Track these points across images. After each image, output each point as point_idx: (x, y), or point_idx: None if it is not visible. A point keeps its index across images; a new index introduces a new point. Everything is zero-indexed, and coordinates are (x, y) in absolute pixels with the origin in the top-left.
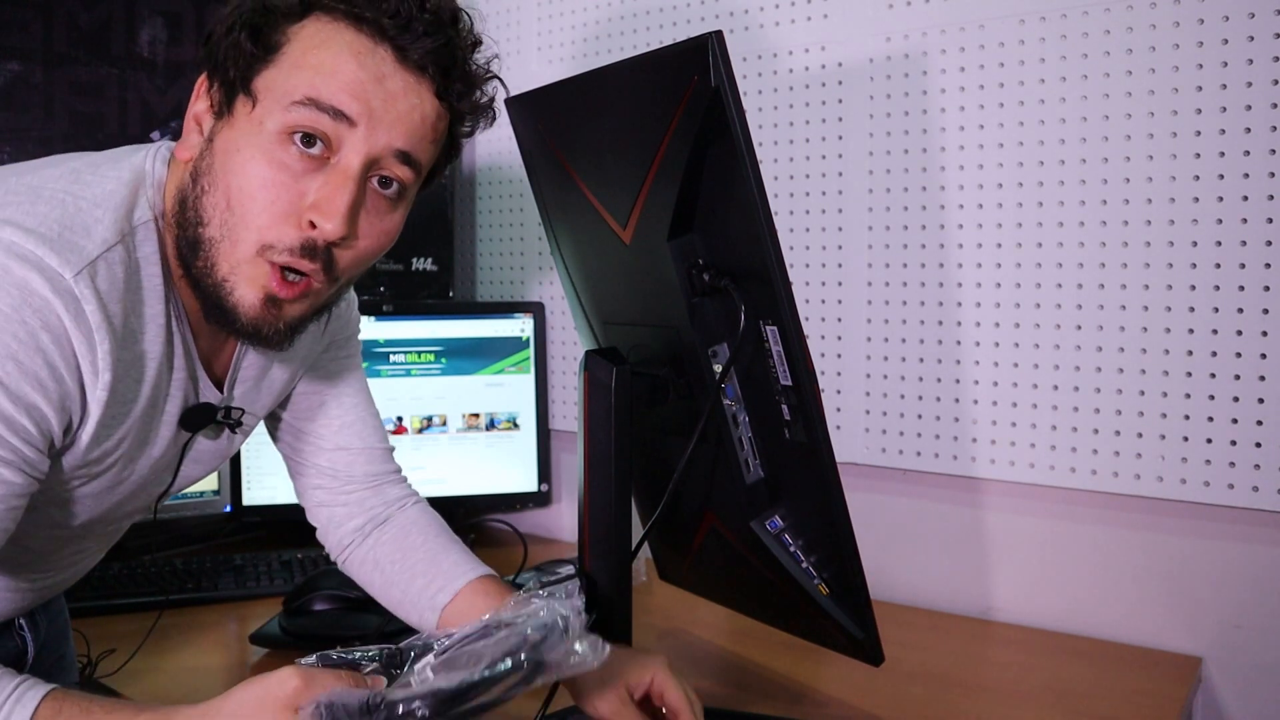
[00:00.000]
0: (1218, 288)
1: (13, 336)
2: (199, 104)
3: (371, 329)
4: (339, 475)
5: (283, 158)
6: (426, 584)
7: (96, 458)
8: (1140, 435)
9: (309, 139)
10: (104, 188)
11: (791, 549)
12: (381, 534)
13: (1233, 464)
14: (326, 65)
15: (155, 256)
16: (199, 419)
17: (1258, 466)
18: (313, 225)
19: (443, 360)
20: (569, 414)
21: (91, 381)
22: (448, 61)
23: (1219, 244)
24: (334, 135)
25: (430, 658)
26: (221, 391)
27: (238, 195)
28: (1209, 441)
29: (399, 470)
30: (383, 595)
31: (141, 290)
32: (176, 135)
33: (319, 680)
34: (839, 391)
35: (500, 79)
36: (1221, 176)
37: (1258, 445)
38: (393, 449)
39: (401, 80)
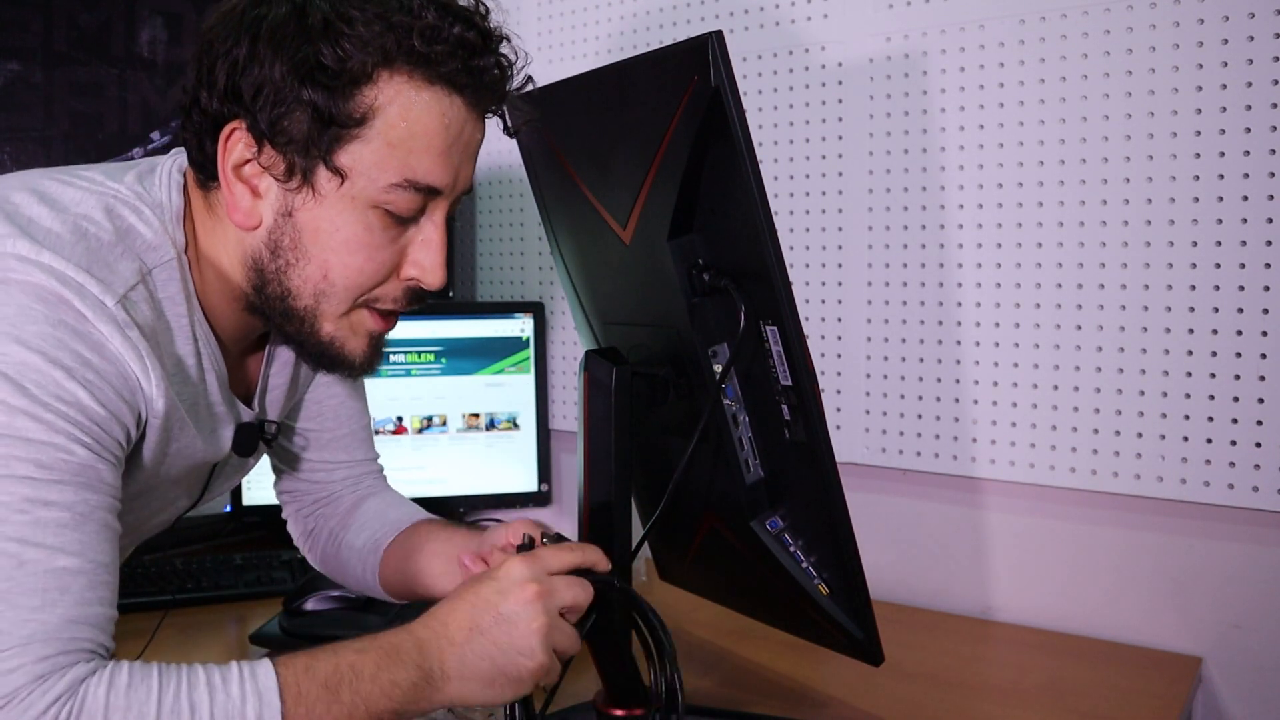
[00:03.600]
0: (1218, 288)
1: (84, 346)
2: (239, 158)
3: None
4: (318, 482)
5: (376, 223)
6: (371, 534)
7: (139, 472)
8: (1140, 435)
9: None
10: (125, 220)
11: (791, 549)
12: (337, 506)
13: (1233, 464)
14: (418, 140)
15: (180, 296)
16: (249, 441)
17: (1258, 466)
18: (412, 277)
19: (443, 360)
20: (569, 414)
21: (146, 406)
22: (503, 93)
23: (1219, 244)
24: (425, 204)
25: None
26: (251, 406)
27: (339, 268)
28: (1209, 441)
29: (379, 472)
30: (332, 559)
31: (169, 332)
32: (176, 137)
33: (543, 559)
34: (839, 391)
35: (516, 61)
36: (1221, 176)
37: (1258, 445)
38: (377, 458)
39: (472, 126)
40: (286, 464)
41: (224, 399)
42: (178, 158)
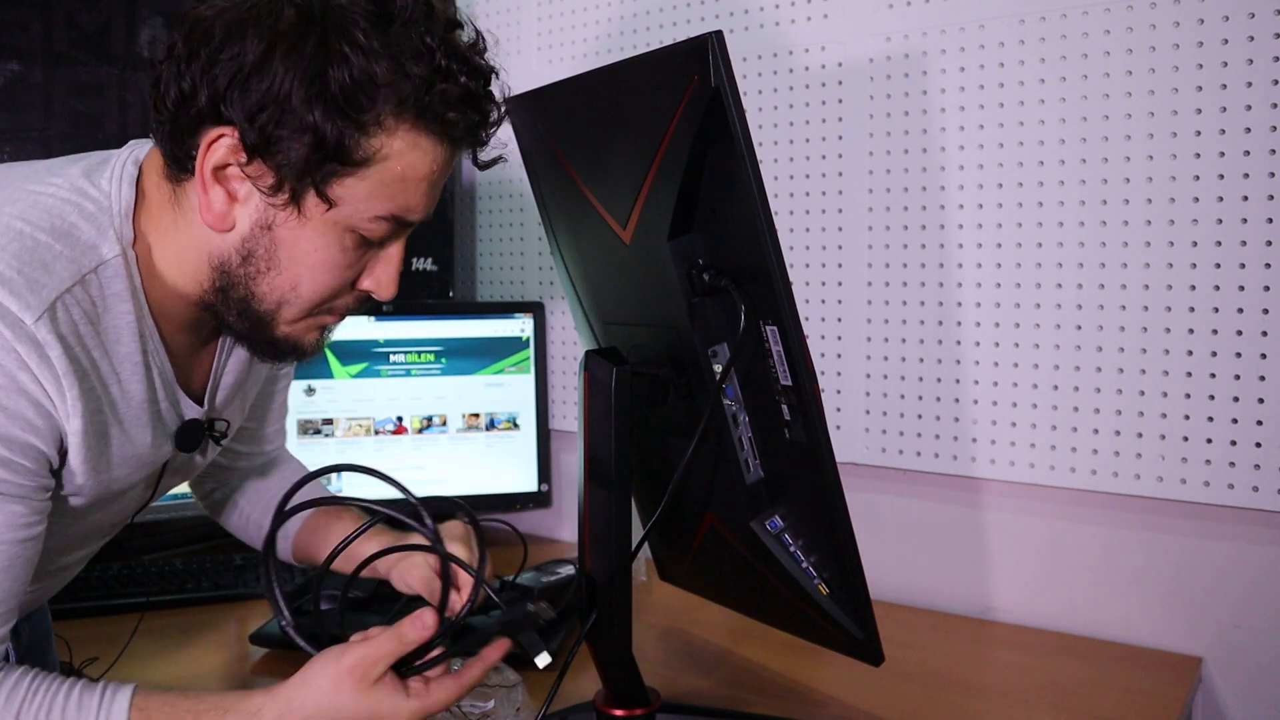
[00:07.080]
0: (1218, 288)
1: None
2: (221, 161)
3: (371, 329)
4: (240, 468)
5: (350, 245)
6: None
7: (83, 487)
8: (1140, 435)
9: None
10: (65, 219)
11: (791, 549)
12: (241, 477)
13: (1233, 464)
14: (409, 183)
15: (126, 293)
16: (191, 438)
17: (1258, 466)
18: (367, 289)
19: (443, 360)
20: (569, 414)
21: (64, 424)
22: (487, 140)
23: (1219, 244)
24: (396, 230)
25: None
26: (201, 404)
27: (308, 283)
28: (1209, 441)
29: (283, 445)
30: (238, 522)
31: (111, 331)
32: None
33: (381, 648)
34: (839, 391)
35: (502, 104)
36: (1221, 176)
37: (1258, 445)
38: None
39: (451, 163)
40: (222, 456)
41: (168, 396)
42: (135, 150)
